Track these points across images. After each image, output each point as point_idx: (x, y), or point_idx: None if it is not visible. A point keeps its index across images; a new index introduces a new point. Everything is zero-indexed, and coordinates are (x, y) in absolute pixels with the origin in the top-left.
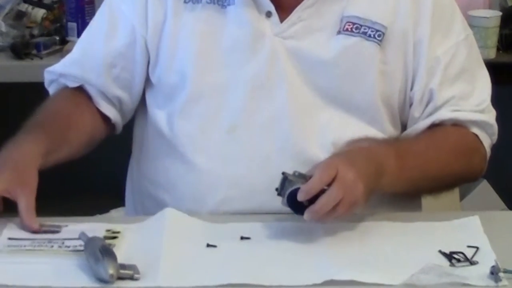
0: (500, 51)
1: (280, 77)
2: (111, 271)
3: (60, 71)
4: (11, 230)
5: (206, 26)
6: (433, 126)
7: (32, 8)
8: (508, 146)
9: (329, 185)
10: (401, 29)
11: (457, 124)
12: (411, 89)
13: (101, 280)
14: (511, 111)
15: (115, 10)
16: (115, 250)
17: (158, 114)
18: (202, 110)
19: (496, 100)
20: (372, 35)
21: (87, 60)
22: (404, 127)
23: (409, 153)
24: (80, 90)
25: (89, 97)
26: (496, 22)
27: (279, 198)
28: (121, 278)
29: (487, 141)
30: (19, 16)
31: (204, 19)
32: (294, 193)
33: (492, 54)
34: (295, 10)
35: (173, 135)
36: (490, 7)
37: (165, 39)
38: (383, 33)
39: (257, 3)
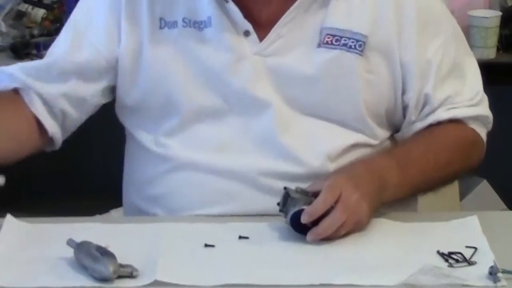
0: (500, 51)
1: (264, 97)
2: (111, 268)
3: (10, 71)
4: None
5: (185, 51)
6: (430, 125)
7: (32, 8)
8: (508, 146)
9: (333, 206)
10: (384, 36)
11: (453, 121)
12: (403, 94)
13: (100, 280)
14: (511, 111)
15: (81, 30)
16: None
17: (144, 135)
18: (191, 133)
19: (496, 100)
20: (353, 46)
21: (42, 69)
22: (395, 128)
23: (409, 160)
24: (19, 93)
25: (26, 102)
26: (496, 22)
27: (272, 209)
28: (120, 276)
29: (484, 131)
30: (19, 16)
31: (182, 44)
32: (297, 214)
33: (492, 54)
34: (273, 28)
35: (162, 154)
36: (490, 7)
37: (145, 66)
38: (364, 43)
39: (234, 23)
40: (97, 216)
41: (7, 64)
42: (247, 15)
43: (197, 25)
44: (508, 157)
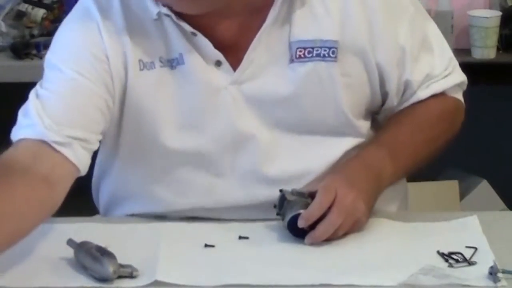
0: (500, 51)
1: (247, 126)
2: (112, 268)
3: (70, 134)
4: None
5: (163, 90)
6: (412, 104)
7: (32, 8)
8: (508, 146)
9: (330, 208)
10: (355, 36)
11: (434, 95)
12: (383, 85)
13: (100, 280)
14: (511, 111)
15: (75, 78)
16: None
17: (131, 177)
18: (179, 174)
19: (496, 100)
20: (326, 55)
21: (70, 112)
22: (374, 113)
23: (399, 145)
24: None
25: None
26: (496, 22)
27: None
28: (120, 276)
29: (461, 94)
30: (19, 16)
31: (160, 84)
32: (294, 218)
33: (492, 54)
34: (246, 54)
35: (148, 199)
36: (490, 7)
37: (128, 110)
38: (336, 48)
39: (204, 56)
40: (97, 216)
41: (7, 64)
42: (217, 45)
43: (170, 63)
44: (508, 157)
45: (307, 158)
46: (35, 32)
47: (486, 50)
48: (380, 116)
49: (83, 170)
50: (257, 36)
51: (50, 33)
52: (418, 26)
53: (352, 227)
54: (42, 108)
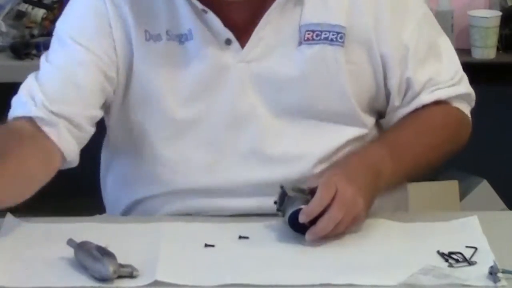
0: (500, 51)
1: (251, 105)
2: (112, 268)
3: (58, 111)
4: None
5: (169, 64)
6: (416, 110)
7: (32, 8)
8: (508, 146)
9: (330, 203)
10: (361, 25)
11: (438, 102)
12: (385, 81)
13: (100, 280)
14: (511, 111)
15: (76, 50)
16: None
17: (133, 160)
18: (178, 148)
19: (496, 100)
20: (334, 39)
21: (63, 91)
22: (379, 114)
23: (401, 146)
24: (33, 123)
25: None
26: (496, 22)
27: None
28: (120, 276)
29: (468, 108)
30: (19, 16)
31: (166, 57)
32: (295, 214)
33: (492, 54)
34: (254, 32)
35: (151, 165)
36: (490, 7)
37: (135, 79)
38: (344, 34)
39: (215, 34)
40: (97, 216)
41: (7, 64)
42: (227, 23)
43: (179, 38)
44: (508, 157)
45: (309, 142)
46: (35, 32)
47: (486, 50)
48: (385, 120)
49: (68, 156)
50: (266, 14)
51: (50, 33)
52: (426, 31)
53: (352, 223)
54: (38, 84)
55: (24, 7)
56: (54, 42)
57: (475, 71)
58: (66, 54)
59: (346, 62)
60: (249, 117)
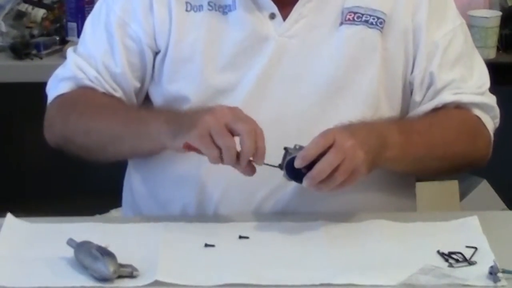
0: (500, 51)
1: (284, 77)
2: (112, 267)
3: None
4: None
5: (209, 34)
6: (436, 109)
7: (32, 8)
8: (508, 146)
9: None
10: (400, 15)
11: (459, 107)
12: (411, 73)
13: (100, 279)
14: (511, 111)
15: (118, 24)
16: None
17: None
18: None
19: (496, 100)
20: (374, 23)
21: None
22: (401, 111)
23: (413, 129)
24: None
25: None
26: (496, 22)
27: (280, 198)
28: (120, 276)
29: (490, 124)
30: (19, 16)
31: (207, 27)
32: (292, 162)
33: (492, 54)
34: (295, 7)
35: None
36: (490, 7)
37: (171, 47)
38: (384, 20)
39: (259, 6)
40: (97, 216)
41: (7, 64)
42: None
43: (222, 9)
44: (508, 157)
45: (325, 116)
46: (35, 32)
47: (486, 50)
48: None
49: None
50: None
51: (50, 33)
52: (461, 42)
53: (351, 177)
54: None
55: (24, 7)
56: (97, 8)
57: None
58: (106, 25)
59: (382, 49)
60: (283, 82)
